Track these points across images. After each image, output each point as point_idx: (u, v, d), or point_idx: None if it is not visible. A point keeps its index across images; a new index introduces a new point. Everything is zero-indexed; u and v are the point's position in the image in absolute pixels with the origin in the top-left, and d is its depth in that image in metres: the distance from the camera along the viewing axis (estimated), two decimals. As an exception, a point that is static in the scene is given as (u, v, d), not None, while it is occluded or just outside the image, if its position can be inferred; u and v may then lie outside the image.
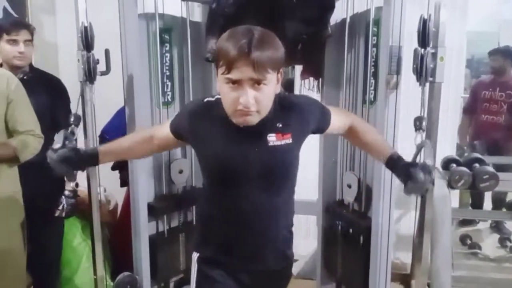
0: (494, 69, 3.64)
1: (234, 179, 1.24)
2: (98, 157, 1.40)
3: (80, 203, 2.22)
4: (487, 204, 3.71)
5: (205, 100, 1.31)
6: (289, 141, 1.24)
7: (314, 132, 1.37)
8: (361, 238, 2.30)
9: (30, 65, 2.14)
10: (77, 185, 2.16)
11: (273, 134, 1.23)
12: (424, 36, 1.71)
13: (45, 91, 2.12)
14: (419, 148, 1.49)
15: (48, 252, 2.24)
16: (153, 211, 2.37)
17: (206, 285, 1.35)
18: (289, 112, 1.27)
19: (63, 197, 2.09)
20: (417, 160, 1.49)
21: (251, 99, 1.11)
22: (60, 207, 2.07)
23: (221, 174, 1.26)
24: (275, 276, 1.39)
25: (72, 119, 1.91)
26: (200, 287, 1.36)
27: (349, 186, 2.39)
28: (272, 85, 1.15)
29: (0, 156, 1.78)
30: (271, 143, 1.23)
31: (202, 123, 1.26)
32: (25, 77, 2.04)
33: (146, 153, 1.57)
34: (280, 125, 1.24)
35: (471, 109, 3.75)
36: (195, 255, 1.39)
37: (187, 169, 2.51)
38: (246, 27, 1.13)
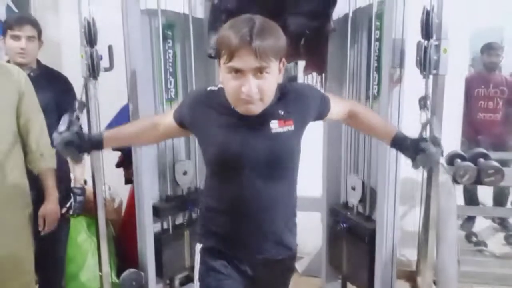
0: (493, 64, 3.58)
1: (236, 166, 1.23)
2: (103, 142, 1.43)
3: (85, 201, 2.21)
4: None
5: (208, 89, 1.32)
6: (291, 127, 1.25)
7: (315, 119, 1.38)
8: (366, 239, 2.29)
9: (38, 62, 2.11)
10: (85, 182, 2.14)
11: (276, 121, 1.23)
12: (428, 27, 1.71)
13: (52, 88, 2.09)
14: (424, 126, 1.53)
15: (54, 249, 2.23)
16: (158, 213, 2.38)
17: (209, 275, 1.35)
18: (290, 99, 1.27)
19: (71, 194, 2.05)
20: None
21: (253, 88, 1.11)
22: (68, 205, 2.03)
23: (222, 162, 1.26)
24: (277, 266, 1.39)
25: (76, 105, 1.92)
26: (203, 277, 1.36)
27: (353, 189, 2.38)
28: (274, 74, 1.15)
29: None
30: (273, 130, 1.23)
31: (204, 111, 1.27)
32: (31, 74, 2.02)
33: (151, 140, 1.62)
34: (282, 112, 1.24)
35: (465, 108, 3.64)
36: (198, 246, 1.39)
37: (192, 170, 2.52)
38: (248, 16, 1.14)
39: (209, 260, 1.35)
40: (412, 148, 1.40)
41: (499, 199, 3.53)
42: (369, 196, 2.30)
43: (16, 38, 1.97)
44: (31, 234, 1.89)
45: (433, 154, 1.37)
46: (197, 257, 1.39)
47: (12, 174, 1.77)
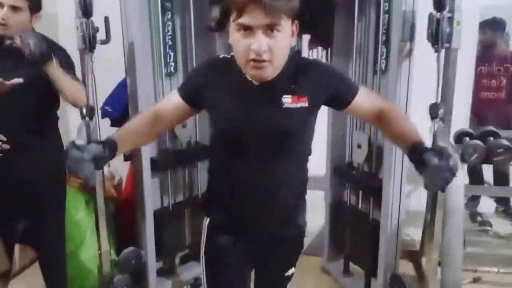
0: (496, 39, 3.50)
1: (245, 140, 1.17)
2: (117, 149, 1.20)
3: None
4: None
5: (221, 56, 1.24)
6: (305, 104, 1.16)
7: (330, 103, 1.25)
8: (371, 198, 2.26)
9: None
10: None
11: (289, 96, 1.15)
12: None
13: None
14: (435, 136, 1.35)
15: (53, 250, 2.14)
16: (156, 166, 2.32)
17: (215, 250, 1.32)
18: (306, 74, 1.18)
19: None
20: None
21: (263, 45, 1.03)
22: None
23: (232, 135, 1.19)
24: (285, 243, 1.34)
25: (84, 111, 1.83)
26: (209, 252, 1.33)
27: (359, 146, 2.32)
28: (286, 34, 1.07)
29: None
30: (285, 105, 1.15)
31: (217, 77, 1.19)
32: (14, 45, 1.77)
33: (159, 132, 1.42)
34: (296, 87, 1.16)
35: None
36: (205, 221, 1.35)
37: (191, 123, 2.44)
38: None
39: (216, 236, 1.32)
40: (416, 159, 1.11)
41: (500, 178, 3.47)
42: (376, 154, 2.24)
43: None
44: None
45: (436, 168, 1.04)
46: (204, 232, 1.35)
47: None
